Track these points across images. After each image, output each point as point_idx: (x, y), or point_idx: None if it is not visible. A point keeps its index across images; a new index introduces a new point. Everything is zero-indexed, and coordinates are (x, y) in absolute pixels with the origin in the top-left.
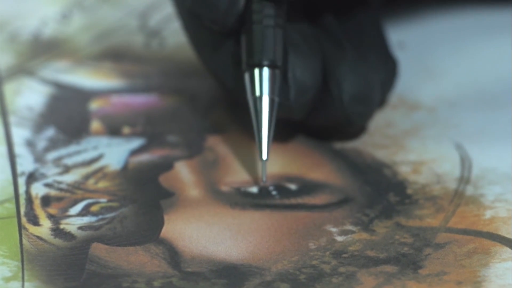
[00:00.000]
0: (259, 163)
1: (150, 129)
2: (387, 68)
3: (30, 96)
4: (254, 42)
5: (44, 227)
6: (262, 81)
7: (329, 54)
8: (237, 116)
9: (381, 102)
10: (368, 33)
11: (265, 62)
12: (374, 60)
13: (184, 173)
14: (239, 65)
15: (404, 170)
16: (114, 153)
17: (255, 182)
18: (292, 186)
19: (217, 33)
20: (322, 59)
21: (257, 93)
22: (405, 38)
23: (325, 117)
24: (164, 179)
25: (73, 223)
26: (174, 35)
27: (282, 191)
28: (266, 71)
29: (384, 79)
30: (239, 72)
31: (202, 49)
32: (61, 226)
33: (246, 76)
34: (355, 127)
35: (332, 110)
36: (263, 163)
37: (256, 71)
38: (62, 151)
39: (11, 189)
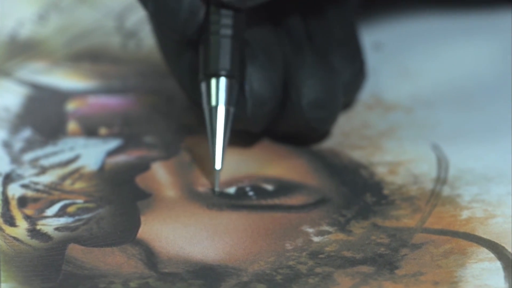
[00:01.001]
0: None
1: (127, 130)
2: (353, 68)
3: (6, 97)
4: (211, 52)
5: (21, 228)
6: (219, 91)
7: (289, 59)
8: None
9: (347, 103)
10: (337, 32)
11: (222, 72)
12: (339, 61)
13: (160, 174)
14: (197, 74)
15: (380, 171)
16: (91, 154)
17: (212, 188)
18: (269, 187)
19: (177, 41)
20: (283, 69)
21: (213, 103)
22: (382, 38)
23: (287, 123)
24: (140, 180)
25: (50, 224)
26: (151, 36)
27: (259, 192)
28: (222, 81)
29: (350, 80)
30: (197, 81)
31: (166, 55)
32: (38, 227)
33: (203, 86)
34: (317, 133)
35: (293, 117)
36: (216, 173)
37: (213, 81)
38: (39, 152)
39: None
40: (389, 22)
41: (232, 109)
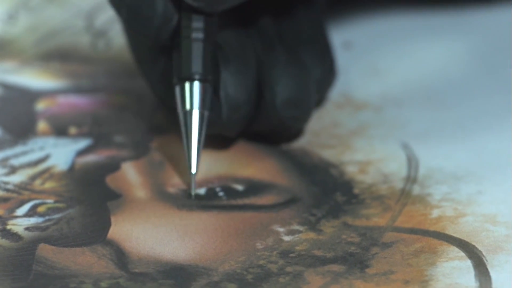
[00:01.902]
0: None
1: (97, 129)
2: (323, 66)
3: None
4: (184, 57)
5: None
6: (193, 95)
7: (262, 58)
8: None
9: (318, 101)
10: (306, 32)
11: (195, 76)
12: (309, 59)
13: (131, 174)
14: (171, 79)
15: (351, 170)
16: (61, 153)
17: (187, 193)
18: (239, 187)
19: (153, 48)
20: (257, 72)
21: (187, 107)
22: (351, 37)
23: (261, 123)
24: (111, 180)
25: (20, 224)
26: (120, 35)
27: (229, 192)
28: (196, 85)
29: (320, 77)
30: (171, 86)
31: (140, 60)
32: (8, 227)
33: (177, 90)
34: (291, 132)
35: (267, 116)
36: (192, 177)
37: (187, 85)
38: (8, 152)
39: None
40: (358, 21)
41: (206, 113)
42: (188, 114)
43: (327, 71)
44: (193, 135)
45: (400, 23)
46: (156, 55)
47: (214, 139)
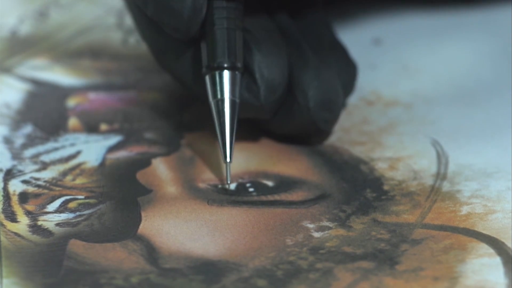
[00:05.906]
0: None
1: (128, 126)
2: (348, 72)
3: (7, 94)
4: (212, 46)
5: (22, 224)
6: (223, 83)
7: (292, 61)
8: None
9: (343, 104)
10: (324, 35)
11: (224, 64)
12: (335, 63)
13: (161, 170)
14: (200, 70)
15: (380, 167)
16: (92, 150)
17: (222, 182)
18: (269, 183)
19: (178, 40)
20: (287, 53)
21: (218, 96)
22: (381, 34)
23: (292, 124)
24: (141, 176)
25: (51, 220)
26: None
27: (259, 187)
28: (226, 73)
29: (347, 81)
30: (200, 76)
31: (165, 54)
32: (39, 223)
33: (207, 80)
34: (321, 134)
35: (299, 118)
36: (227, 166)
37: (216, 74)
38: (40, 148)
39: None
40: (388, 18)
41: (237, 101)
42: (219, 103)
43: (351, 76)
44: (226, 124)
45: (429, 20)
46: (184, 47)
47: (244, 136)
